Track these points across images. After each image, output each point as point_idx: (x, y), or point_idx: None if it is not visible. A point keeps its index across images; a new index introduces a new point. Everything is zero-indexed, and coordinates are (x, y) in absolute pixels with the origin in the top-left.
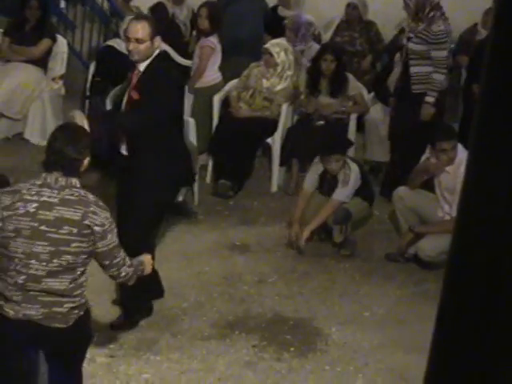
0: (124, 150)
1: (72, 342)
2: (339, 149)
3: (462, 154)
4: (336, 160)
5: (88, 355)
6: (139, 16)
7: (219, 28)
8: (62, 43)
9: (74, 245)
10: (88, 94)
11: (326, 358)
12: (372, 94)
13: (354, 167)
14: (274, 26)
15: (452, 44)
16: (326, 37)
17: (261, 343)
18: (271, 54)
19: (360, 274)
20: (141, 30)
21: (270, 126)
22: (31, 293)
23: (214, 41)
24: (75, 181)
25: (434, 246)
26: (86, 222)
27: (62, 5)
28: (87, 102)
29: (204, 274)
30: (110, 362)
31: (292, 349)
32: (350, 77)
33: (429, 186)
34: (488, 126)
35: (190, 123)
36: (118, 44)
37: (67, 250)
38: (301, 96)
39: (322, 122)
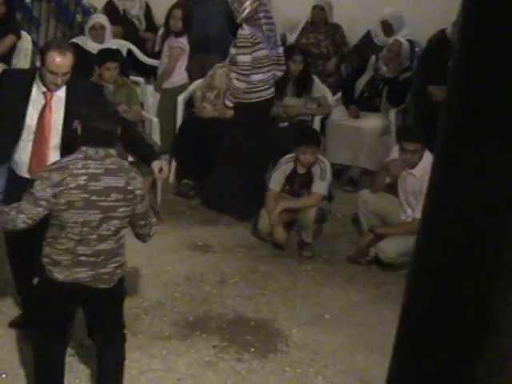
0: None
1: (113, 301)
2: (317, 141)
3: (430, 159)
4: (311, 152)
5: None
6: (62, 48)
7: (190, 29)
8: (26, 39)
9: (120, 210)
10: None
11: (286, 359)
12: (336, 96)
13: (328, 162)
14: (237, 27)
15: (417, 48)
16: (292, 38)
17: (221, 344)
18: None
19: (321, 276)
20: (68, 63)
21: None
22: (81, 257)
23: (184, 41)
24: (112, 151)
25: (394, 247)
26: (130, 187)
27: (27, 0)
28: None
29: (165, 274)
30: (70, 360)
31: (252, 349)
32: (316, 79)
33: (392, 190)
34: (454, 129)
35: (154, 123)
36: (82, 41)
37: (115, 215)
38: None
39: (285, 124)
